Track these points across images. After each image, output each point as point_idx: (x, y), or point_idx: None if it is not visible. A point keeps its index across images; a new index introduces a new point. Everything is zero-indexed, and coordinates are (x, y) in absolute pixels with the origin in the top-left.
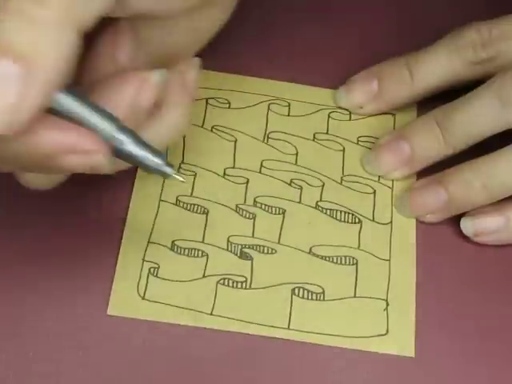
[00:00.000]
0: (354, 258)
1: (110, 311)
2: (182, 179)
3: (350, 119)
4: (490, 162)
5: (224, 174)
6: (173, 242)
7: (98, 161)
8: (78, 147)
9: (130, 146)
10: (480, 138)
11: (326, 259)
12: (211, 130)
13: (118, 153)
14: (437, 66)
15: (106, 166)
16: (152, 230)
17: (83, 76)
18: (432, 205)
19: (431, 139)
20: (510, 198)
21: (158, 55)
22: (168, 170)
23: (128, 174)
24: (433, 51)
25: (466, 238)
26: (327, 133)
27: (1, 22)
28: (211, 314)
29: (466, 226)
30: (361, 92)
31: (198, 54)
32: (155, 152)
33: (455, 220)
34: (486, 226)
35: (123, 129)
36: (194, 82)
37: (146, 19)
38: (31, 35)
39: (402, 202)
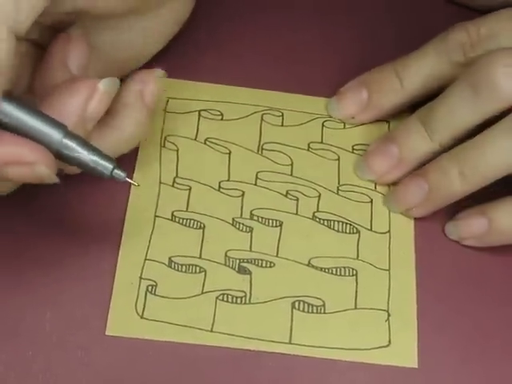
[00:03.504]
0: (353, 269)
1: (109, 331)
2: (135, 183)
3: (344, 127)
4: (463, 150)
5: (219, 187)
6: (170, 258)
7: (42, 171)
8: (20, 159)
9: (79, 153)
10: (463, 131)
11: (325, 271)
12: (204, 143)
13: (68, 160)
14: (426, 69)
15: (50, 176)
16: (148, 246)
17: (36, 86)
18: (415, 197)
19: (417, 138)
20: (494, 200)
21: (114, 60)
22: (120, 174)
23: (122, 190)
24: (421, 55)
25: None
26: (322, 142)
27: None
28: (211, 331)
29: (450, 230)
30: (351, 102)
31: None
32: (105, 157)
33: None
34: (469, 230)
35: (70, 135)
36: (153, 93)
37: (90, 20)
38: None
39: (388, 197)
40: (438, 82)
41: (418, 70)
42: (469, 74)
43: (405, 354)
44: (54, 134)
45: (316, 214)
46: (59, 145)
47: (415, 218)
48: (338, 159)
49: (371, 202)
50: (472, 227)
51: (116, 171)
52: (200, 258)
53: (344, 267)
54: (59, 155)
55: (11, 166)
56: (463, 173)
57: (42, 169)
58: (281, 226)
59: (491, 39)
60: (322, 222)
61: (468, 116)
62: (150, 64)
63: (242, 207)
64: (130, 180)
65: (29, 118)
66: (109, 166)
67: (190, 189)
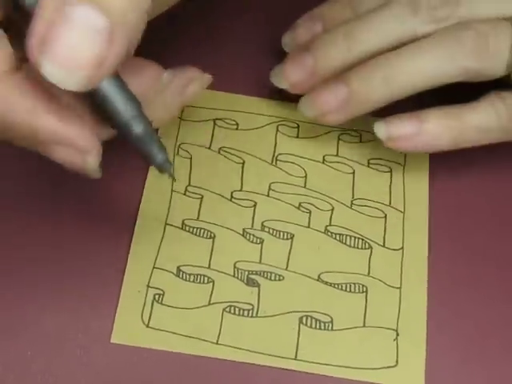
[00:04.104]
0: (363, 286)
1: (114, 339)
2: (175, 179)
3: (360, 141)
4: (392, 56)
5: (231, 197)
6: (178, 267)
7: (88, 162)
8: (72, 142)
9: (144, 135)
10: (385, 45)
11: (334, 286)
12: (218, 152)
13: (130, 138)
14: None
15: (96, 170)
16: (157, 254)
17: None
18: (333, 100)
19: (336, 49)
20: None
21: None
22: (168, 167)
23: (133, 196)
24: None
25: (483, 266)
26: (337, 155)
27: None
28: (217, 343)
29: (380, 128)
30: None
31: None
32: (161, 147)
33: (471, 248)
34: (399, 130)
35: (142, 115)
36: (193, 93)
37: None
38: None
39: (304, 100)
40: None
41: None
42: None
43: (412, 375)
44: (129, 109)
45: (328, 227)
46: (128, 120)
47: (432, 237)
48: (353, 173)
49: (385, 217)
50: (402, 128)
51: (166, 162)
52: (209, 268)
53: (354, 283)
54: (123, 130)
55: (61, 146)
56: (387, 77)
57: (90, 160)
58: (292, 238)
59: None
60: (333, 236)
61: (396, 32)
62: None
63: (253, 218)
64: (172, 173)
65: (111, 85)
66: (163, 156)
67: (201, 198)
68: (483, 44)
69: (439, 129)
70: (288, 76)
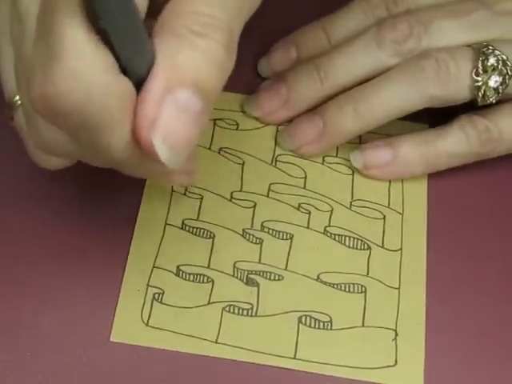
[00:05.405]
0: (362, 286)
1: (113, 338)
2: None
3: (359, 142)
4: (361, 89)
5: (231, 197)
6: (178, 266)
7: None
8: (190, 171)
9: None
10: (357, 79)
11: (334, 286)
12: (218, 152)
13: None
14: (352, 25)
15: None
16: (157, 254)
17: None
18: (309, 133)
19: (309, 82)
20: (400, 135)
21: None
22: None
23: (134, 196)
24: (347, 11)
25: (481, 266)
26: (336, 156)
27: (178, 51)
28: (216, 342)
29: (356, 158)
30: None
31: None
32: None
33: (469, 249)
34: (374, 159)
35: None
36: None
37: None
38: (206, 66)
39: (283, 133)
40: None
41: (345, 26)
42: (373, 31)
43: (411, 374)
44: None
45: (327, 228)
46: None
47: (430, 238)
48: (352, 174)
49: (384, 218)
50: (377, 157)
51: None
52: (208, 267)
53: (353, 283)
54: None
55: (182, 174)
56: (357, 110)
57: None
58: (291, 238)
59: None
60: (333, 236)
61: (366, 66)
62: None
63: (252, 218)
64: None
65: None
66: None
67: (201, 198)
68: (444, 71)
69: (412, 156)
70: (261, 105)
